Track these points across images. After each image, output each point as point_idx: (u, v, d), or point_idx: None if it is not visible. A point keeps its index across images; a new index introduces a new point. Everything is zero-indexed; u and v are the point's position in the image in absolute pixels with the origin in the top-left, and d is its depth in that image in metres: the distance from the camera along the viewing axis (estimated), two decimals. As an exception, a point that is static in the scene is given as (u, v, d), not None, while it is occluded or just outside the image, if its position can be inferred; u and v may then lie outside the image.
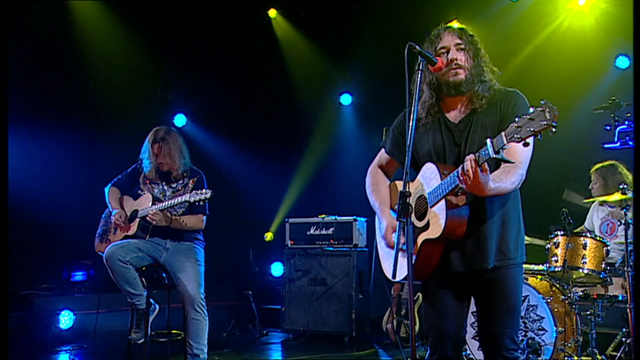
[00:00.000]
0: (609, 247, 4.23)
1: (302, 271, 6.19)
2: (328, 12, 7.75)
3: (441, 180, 2.33)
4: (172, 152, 4.41)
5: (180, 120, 7.91)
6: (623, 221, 4.07)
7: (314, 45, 7.92)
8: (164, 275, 4.49)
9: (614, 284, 4.26)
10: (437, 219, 2.35)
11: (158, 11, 7.28)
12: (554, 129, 1.97)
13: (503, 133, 2.08)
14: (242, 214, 7.91)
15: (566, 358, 4.08)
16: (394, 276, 2.52)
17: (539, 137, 2.03)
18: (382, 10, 7.62)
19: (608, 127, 4.48)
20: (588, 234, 4.27)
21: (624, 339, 4.16)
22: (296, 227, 6.37)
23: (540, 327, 4.13)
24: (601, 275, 4.18)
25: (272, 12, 7.85)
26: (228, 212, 7.96)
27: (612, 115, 4.35)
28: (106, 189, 4.64)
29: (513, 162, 2.18)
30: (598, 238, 4.26)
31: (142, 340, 4.34)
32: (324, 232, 6.22)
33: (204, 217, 4.44)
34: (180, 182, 4.49)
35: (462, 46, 2.46)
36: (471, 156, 2.15)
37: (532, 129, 2.00)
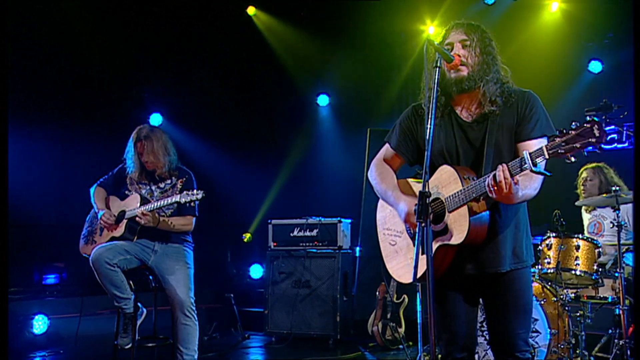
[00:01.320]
0: (600, 249, 4.20)
1: (285, 273, 5.99)
2: (306, 14, 7.63)
3: (462, 185, 2.24)
4: (155, 150, 4.14)
5: (156, 119, 7.59)
6: (615, 223, 4.05)
7: (292, 46, 7.77)
8: (150, 277, 4.26)
9: (605, 286, 4.23)
10: (459, 225, 2.26)
11: (134, 9, 6.99)
12: (603, 147, 1.94)
13: (544, 147, 2.01)
14: (219, 215, 7.61)
15: (558, 360, 4.03)
16: (401, 277, 2.52)
17: (584, 153, 1.96)
18: (358, 14, 7.55)
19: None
20: (580, 235, 4.22)
21: (616, 340, 4.13)
22: (279, 229, 6.17)
23: (534, 329, 4.05)
24: (593, 277, 4.13)
25: (251, 10, 7.65)
26: (204, 213, 7.67)
27: (604, 117, 4.32)
28: (92, 190, 4.36)
29: (550, 175, 2.11)
30: (590, 239, 4.22)
31: (129, 346, 4.08)
32: (307, 233, 6.04)
33: (194, 219, 4.22)
34: (168, 182, 4.24)
35: (467, 42, 2.39)
36: (504, 166, 2.08)
37: (577, 145, 1.94)
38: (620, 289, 3.95)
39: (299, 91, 8.00)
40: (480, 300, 2.51)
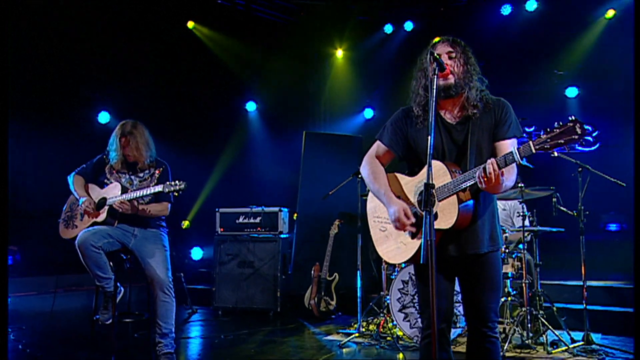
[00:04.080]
0: (507, 234, 4.93)
1: (232, 255, 6.34)
2: (238, 32, 8.05)
3: (452, 177, 2.39)
4: (139, 145, 4.30)
5: (104, 117, 7.57)
6: (521, 212, 4.75)
7: (226, 56, 8.18)
8: (124, 258, 4.44)
9: (508, 264, 4.81)
10: (448, 212, 2.40)
11: (83, 13, 6.96)
12: (583, 143, 2.08)
13: (531, 142, 2.16)
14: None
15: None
16: (391, 258, 2.63)
17: (567, 149, 2.13)
18: (283, 31, 8.15)
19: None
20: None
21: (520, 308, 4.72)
22: (226, 216, 6.49)
23: (457, 300, 4.71)
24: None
25: (190, 24, 8.11)
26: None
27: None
28: (70, 178, 4.42)
29: (533, 167, 2.42)
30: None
31: (110, 321, 4.25)
32: (252, 220, 6.42)
33: (169, 205, 4.42)
34: (147, 172, 4.39)
35: (453, 54, 2.52)
36: (492, 160, 2.24)
37: (561, 141, 2.10)
38: (523, 266, 4.69)
39: (230, 98, 8.46)
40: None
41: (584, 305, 4.62)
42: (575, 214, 4.66)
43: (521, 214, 4.77)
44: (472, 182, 2.32)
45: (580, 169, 4.60)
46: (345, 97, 8.77)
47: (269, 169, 8.07)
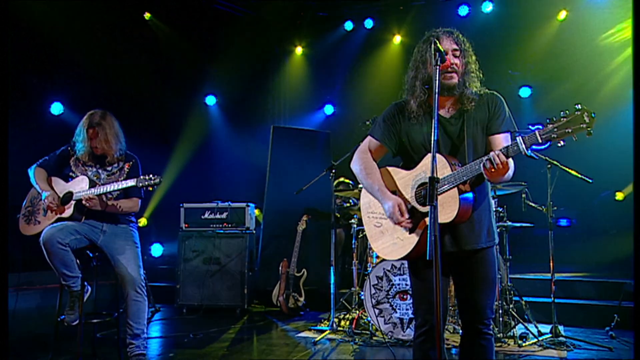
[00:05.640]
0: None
1: (197, 251, 6.01)
2: (196, 24, 7.73)
3: (452, 170, 2.30)
4: (108, 137, 3.95)
5: (57, 108, 7.03)
6: (494, 208, 4.72)
7: (183, 48, 7.86)
8: (91, 255, 4.09)
9: None
10: (449, 205, 2.30)
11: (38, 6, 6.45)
12: (591, 132, 1.99)
13: (537, 132, 2.07)
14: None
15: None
16: (387, 254, 2.51)
17: (575, 138, 2.03)
18: (241, 26, 7.89)
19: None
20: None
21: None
22: (190, 212, 6.14)
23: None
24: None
25: (147, 15, 7.72)
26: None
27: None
28: (30, 171, 4.03)
29: (537, 159, 2.31)
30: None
31: (77, 322, 3.89)
32: (218, 216, 6.11)
33: (139, 201, 4.11)
34: (115, 165, 4.05)
35: (458, 52, 2.44)
36: (497, 152, 2.18)
37: (569, 130, 2.01)
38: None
39: (188, 90, 8.08)
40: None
41: (552, 298, 4.65)
42: (544, 209, 4.68)
43: (494, 209, 4.75)
44: (475, 174, 2.25)
45: (549, 166, 4.61)
46: (305, 93, 8.59)
47: (232, 164, 7.75)
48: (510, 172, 2.30)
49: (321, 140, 6.96)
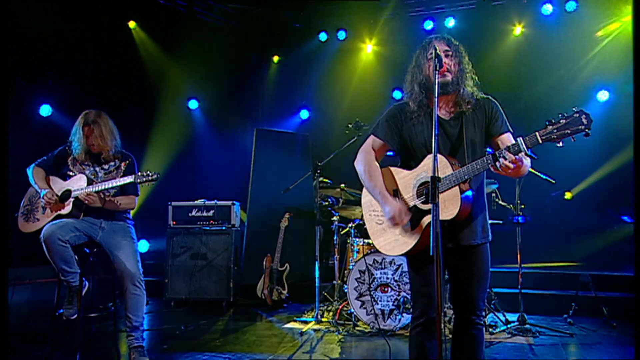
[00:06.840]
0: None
1: (185, 248, 6.09)
2: (179, 32, 7.81)
3: (453, 170, 2.35)
4: (103, 135, 4.00)
5: (45, 110, 6.98)
6: None
7: (167, 56, 7.93)
8: (88, 252, 4.14)
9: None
10: (450, 203, 2.34)
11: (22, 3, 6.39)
12: (589, 133, 2.05)
13: (537, 133, 2.13)
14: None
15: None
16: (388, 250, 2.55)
17: (573, 139, 2.09)
18: (222, 35, 8.06)
19: None
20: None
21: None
22: (178, 209, 6.22)
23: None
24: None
25: (132, 24, 7.79)
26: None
27: None
28: (29, 170, 4.06)
29: (536, 158, 2.35)
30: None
31: (75, 316, 3.95)
32: (205, 214, 6.20)
33: (136, 198, 4.18)
34: (112, 163, 4.10)
35: (450, 53, 2.50)
36: (505, 151, 2.24)
37: (568, 131, 2.06)
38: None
39: (172, 95, 8.14)
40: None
41: (519, 289, 4.92)
42: (512, 207, 4.96)
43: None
44: (476, 173, 2.32)
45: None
46: (282, 98, 8.77)
47: (216, 165, 7.84)
48: (528, 165, 2.36)
49: (300, 142, 7.14)
